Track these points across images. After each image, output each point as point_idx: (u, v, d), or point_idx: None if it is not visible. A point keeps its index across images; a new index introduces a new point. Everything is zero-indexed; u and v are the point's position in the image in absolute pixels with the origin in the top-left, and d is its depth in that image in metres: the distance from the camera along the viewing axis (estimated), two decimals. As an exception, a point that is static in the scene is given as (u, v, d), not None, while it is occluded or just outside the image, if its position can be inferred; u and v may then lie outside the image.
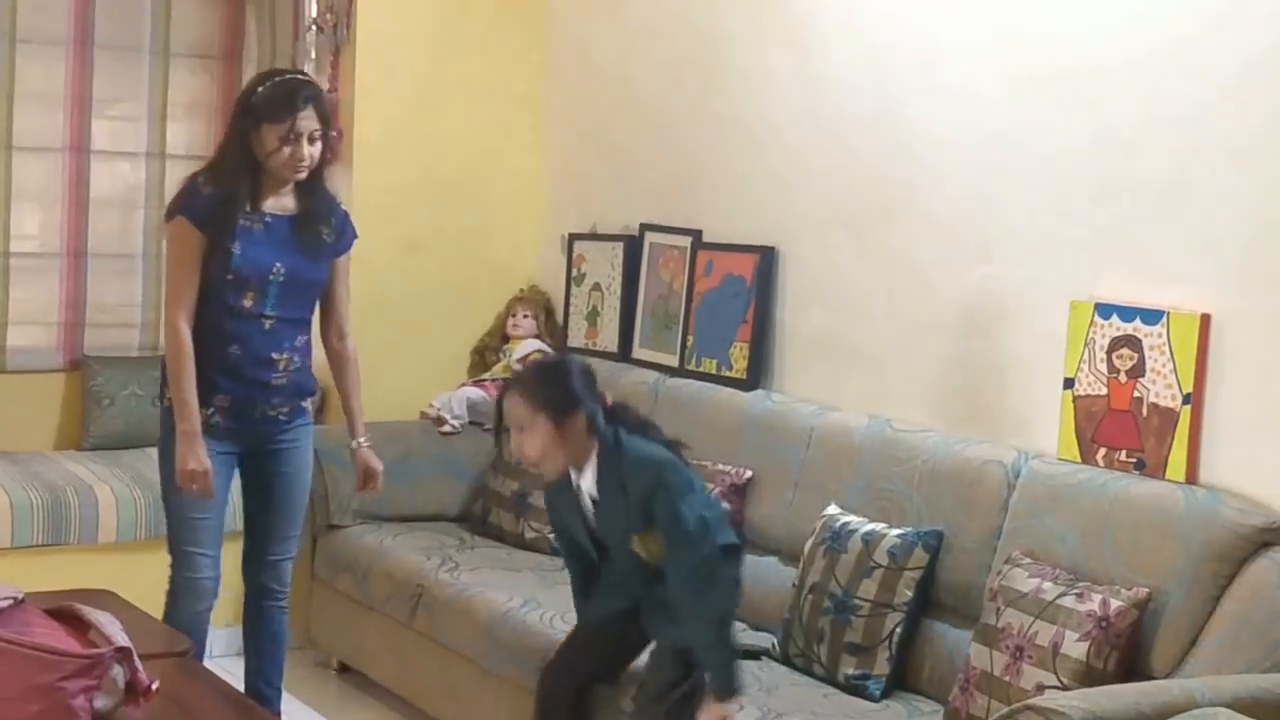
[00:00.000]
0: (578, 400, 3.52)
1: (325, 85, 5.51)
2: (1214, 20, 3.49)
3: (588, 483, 3.57)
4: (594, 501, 3.59)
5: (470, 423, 5.33)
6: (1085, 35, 3.77)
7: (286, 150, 3.83)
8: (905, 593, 3.73)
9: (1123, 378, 3.59)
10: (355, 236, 4.11)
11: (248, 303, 3.87)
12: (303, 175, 3.89)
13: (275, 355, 3.92)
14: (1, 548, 4.81)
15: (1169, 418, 3.48)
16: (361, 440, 4.15)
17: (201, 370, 3.86)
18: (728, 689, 3.39)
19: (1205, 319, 3.45)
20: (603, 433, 3.53)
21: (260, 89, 3.89)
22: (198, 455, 3.83)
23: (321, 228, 3.97)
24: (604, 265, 5.31)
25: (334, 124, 4.08)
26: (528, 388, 3.55)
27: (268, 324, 3.90)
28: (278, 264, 3.88)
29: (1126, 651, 3.27)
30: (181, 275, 3.89)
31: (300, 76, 4.07)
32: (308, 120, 3.85)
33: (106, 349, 5.58)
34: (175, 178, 4.90)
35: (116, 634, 2.96)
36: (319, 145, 3.89)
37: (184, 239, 3.88)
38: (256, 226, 3.88)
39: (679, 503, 3.44)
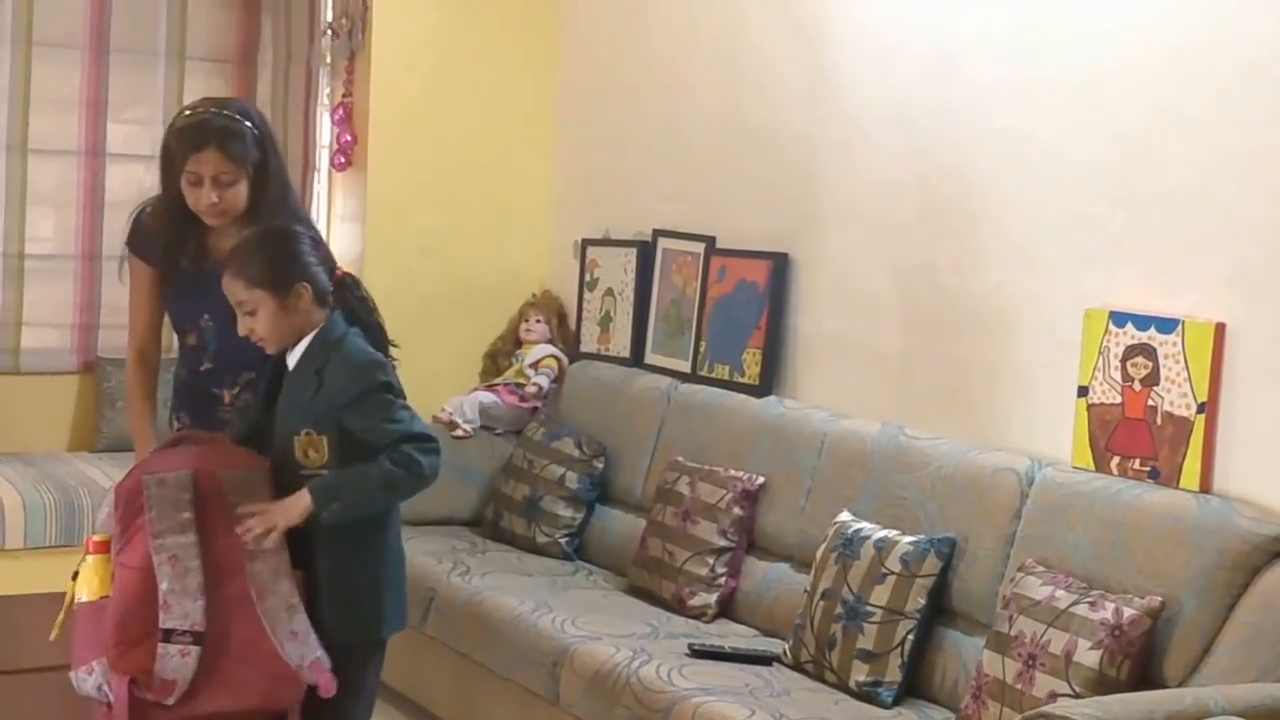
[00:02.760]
0: (301, 273, 3.22)
1: (340, 90, 5.54)
2: (1224, 23, 3.49)
3: (294, 357, 3.24)
4: (289, 375, 3.25)
5: (482, 427, 5.34)
6: (1098, 42, 3.78)
7: (191, 194, 3.46)
8: (918, 600, 3.73)
9: (1137, 386, 3.59)
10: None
11: (191, 340, 3.59)
12: (217, 221, 3.50)
13: (217, 391, 3.58)
14: (14, 548, 4.83)
15: (1183, 426, 3.48)
16: None
17: (173, 387, 3.70)
18: (321, 500, 3.12)
19: (1220, 328, 3.44)
20: (334, 320, 3.24)
21: (176, 119, 3.54)
22: None
23: None
24: (617, 270, 5.32)
25: (267, 156, 3.51)
26: (246, 263, 3.22)
27: (204, 365, 3.56)
28: (205, 315, 3.53)
29: (1139, 660, 3.27)
30: (133, 307, 3.70)
31: (214, 110, 3.51)
32: (209, 163, 3.42)
33: (120, 351, 5.49)
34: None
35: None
36: (233, 190, 3.46)
37: (133, 271, 3.68)
38: (195, 270, 3.55)
39: (384, 402, 3.16)
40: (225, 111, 3.50)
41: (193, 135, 3.45)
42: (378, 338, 3.32)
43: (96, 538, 3.22)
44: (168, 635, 3.02)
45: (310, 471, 3.18)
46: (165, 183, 3.55)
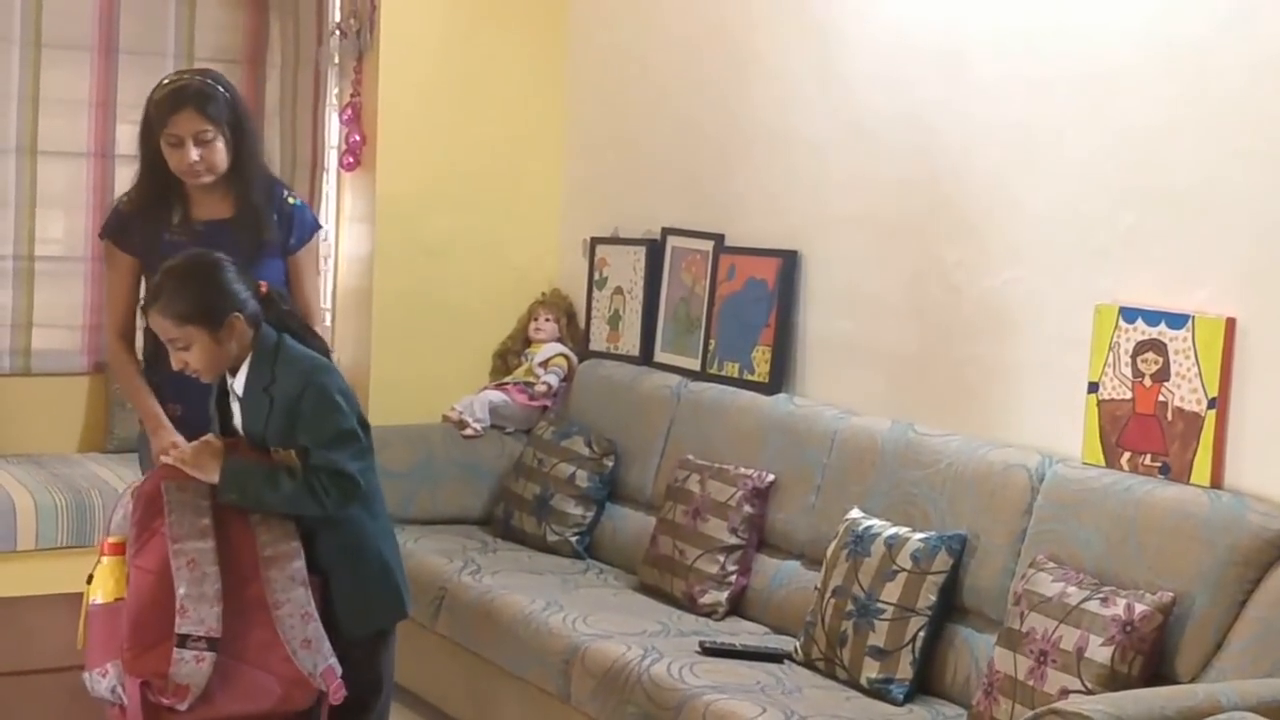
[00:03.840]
0: (231, 303, 3.19)
1: (349, 91, 5.54)
2: (1234, 20, 3.49)
3: (239, 383, 3.25)
4: (240, 401, 3.27)
5: (492, 426, 5.34)
6: (1107, 37, 3.77)
7: (173, 156, 3.62)
8: (928, 597, 3.73)
9: (1147, 382, 3.59)
10: (316, 227, 3.88)
11: None
12: (201, 180, 3.66)
13: None
14: (26, 549, 4.84)
15: (1194, 422, 3.48)
16: None
17: (155, 381, 3.70)
18: (227, 483, 3.14)
19: (1230, 323, 3.44)
20: (265, 332, 3.23)
21: (153, 92, 3.69)
22: (167, 437, 3.54)
23: (261, 228, 3.71)
24: (626, 269, 5.32)
25: (240, 118, 3.69)
26: (173, 299, 3.18)
27: None
28: None
29: (1151, 656, 3.26)
30: (111, 297, 3.80)
31: (186, 76, 3.74)
32: (187, 123, 3.59)
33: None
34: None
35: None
36: (213, 146, 3.62)
37: (110, 261, 3.79)
38: (182, 239, 3.63)
39: (328, 409, 3.18)
40: (198, 77, 3.71)
41: (170, 99, 3.64)
42: (315, 345, 3.32)
43: (111, 539, 3.23)
44: (183, 641, 3.02)
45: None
46: (144, 151, 3.69)
